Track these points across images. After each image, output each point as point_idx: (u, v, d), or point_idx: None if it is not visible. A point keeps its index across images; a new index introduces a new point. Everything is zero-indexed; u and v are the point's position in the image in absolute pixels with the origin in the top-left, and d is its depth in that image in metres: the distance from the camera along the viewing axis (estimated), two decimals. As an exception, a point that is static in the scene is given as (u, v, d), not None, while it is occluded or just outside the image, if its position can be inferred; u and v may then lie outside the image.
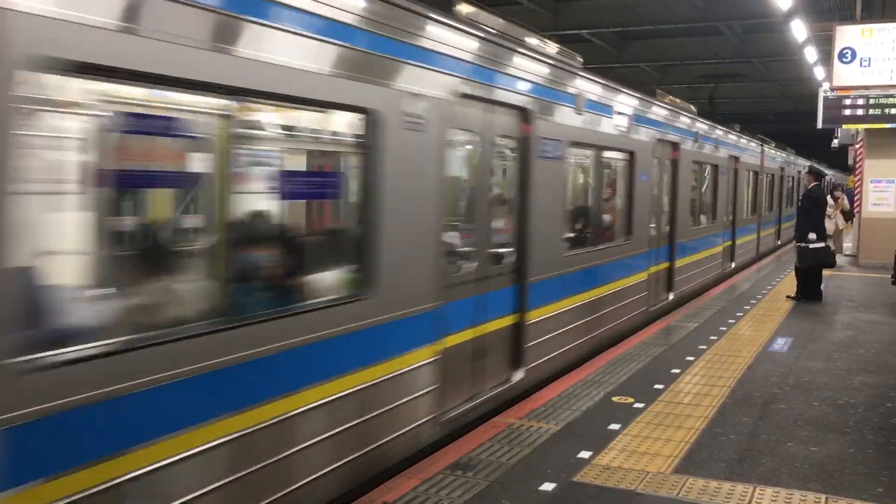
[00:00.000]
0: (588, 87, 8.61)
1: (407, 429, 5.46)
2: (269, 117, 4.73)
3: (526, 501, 4.84)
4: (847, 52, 15.85)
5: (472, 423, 6.31)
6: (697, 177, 14.13)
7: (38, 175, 3.30)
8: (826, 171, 20.39)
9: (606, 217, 10.19)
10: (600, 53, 24.30)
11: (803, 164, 27.12)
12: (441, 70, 5.67)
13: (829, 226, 18.18)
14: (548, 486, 5.05)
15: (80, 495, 3.25)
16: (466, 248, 6.42)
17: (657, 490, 5.02)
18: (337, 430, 4.79)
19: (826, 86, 19.72)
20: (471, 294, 6.33)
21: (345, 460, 4.86)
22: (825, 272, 13.86)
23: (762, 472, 5.37)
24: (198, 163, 4.36)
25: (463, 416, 6.24)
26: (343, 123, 5.16)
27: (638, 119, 10.31)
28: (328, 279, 5.10)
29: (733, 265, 17.26)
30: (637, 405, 6.86)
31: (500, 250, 6.91)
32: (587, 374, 7.86)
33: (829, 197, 19.16)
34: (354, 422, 4.93)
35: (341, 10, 4.65)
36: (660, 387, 7.45)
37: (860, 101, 17.47)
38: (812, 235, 12.77)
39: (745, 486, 5.11)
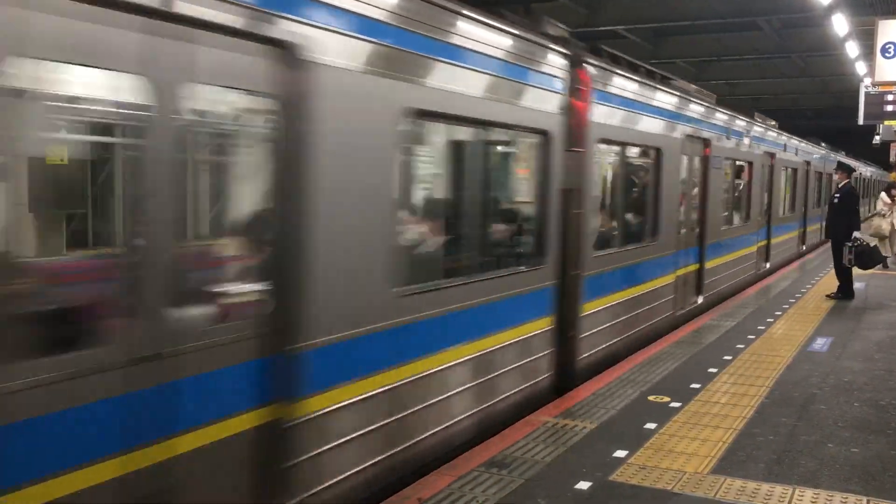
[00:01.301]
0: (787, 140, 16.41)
1: (666, 315, 10.07)
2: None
3: (561, 500, 4.83)
4: (890, 47, 15.48)
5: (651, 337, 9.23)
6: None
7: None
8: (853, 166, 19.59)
9: (739, 210, 14.67)
10: (636, 50, 24.08)
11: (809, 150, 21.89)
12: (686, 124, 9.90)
13: (885, 225, 17.88)
14: (583, 485, 5.03)
15: (461, 360, 5.79)
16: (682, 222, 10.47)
17: (694, 490, 4.98)
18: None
19: (868, 81, 19.35)
20: (682, 248, 10.67)
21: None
22: (867, 272, 13.66)
23: (802, 473, 5.30)
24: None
25: (683, 315, 10.76)
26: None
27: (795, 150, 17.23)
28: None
29: (804, 247, 21.85)
30: (673, 404, 6.80)
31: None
32: (622, 373, 7.81)
33: (883, 194, 18.81)
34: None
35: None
36: (696, 386, 7.38)
37: (903, 97, 17.11)
38: (857, 234, 12.54)
39: (785, 488, 5.04)
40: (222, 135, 5.04)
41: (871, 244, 12.73)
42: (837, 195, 13.22)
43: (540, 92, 6.78)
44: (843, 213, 12.90)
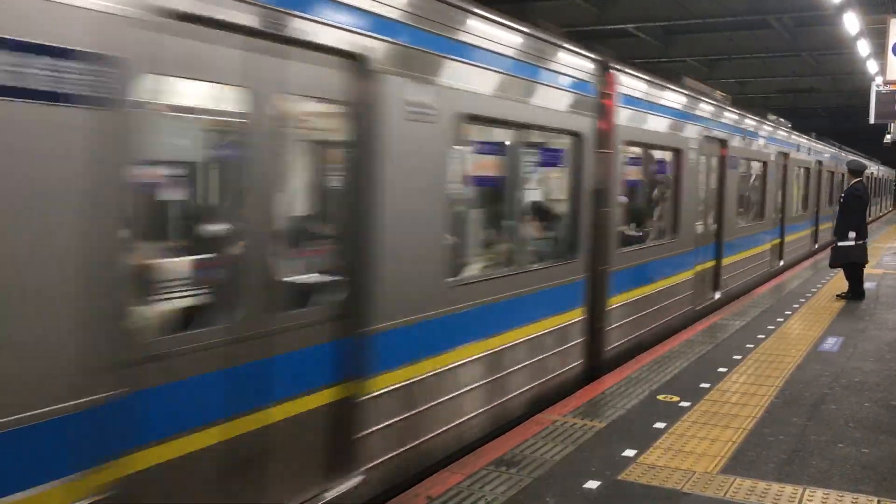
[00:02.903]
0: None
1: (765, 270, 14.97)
2: None
3: (570, 499, 4.82)
4: (902, 46, 15.40)
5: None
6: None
7: None
8: (867, 164, 19.14)
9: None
10: (646, 48, 24.02)
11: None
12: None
13: None
14: (592, 484, 5.02)
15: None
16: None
17: (704, 490, 4.96)
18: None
19: (879, 80, 19.25)
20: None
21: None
22: (876, 271, 13.57)
23: (812, 473, 5.28)
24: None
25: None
26: None
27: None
28: None
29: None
30: (683, 404, 6.78)
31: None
32: (632, 372, 7.80)
33: None
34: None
35: None
36: (706, 385, 7.36)
37: (914, 96, 17.01)
38: (852, 234, 12.49)
39: (795, 488, 5.02)
40: None
41: (843, 244, 12.60)
42: (843, 195, 13.28)
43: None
44: (846, 213, 12.86)
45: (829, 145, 23.98)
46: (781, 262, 17.20)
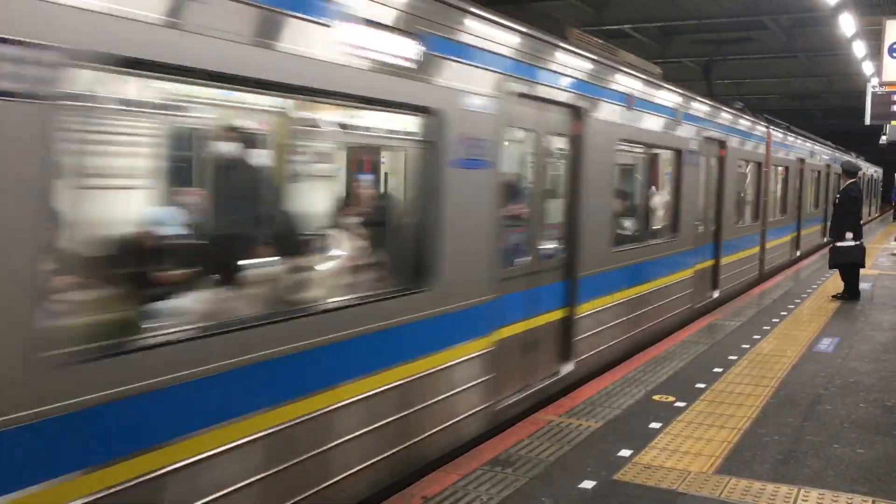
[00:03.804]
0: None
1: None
2: None
3: (566, 499, 4.82)
4: (898, 47, 15.42)
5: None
6: None
7: None
8: (860, 165, 17.68)
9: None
10: (644, 49, 24.03)
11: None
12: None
13: None
14: (588, 484, 5.02)
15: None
16: None
17: (699, 490, 4.96)
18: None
19: (875, 81, 19.29)
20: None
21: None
22: (872, 272, 13.60)
23: (807, 473, 5.28)
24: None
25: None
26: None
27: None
28: None
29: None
30: (678, 404, 6.79)
31: None
32: (627, 372, 7.80)
33: None
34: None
35: None
36: (702, 386, 7.36)
37: (910, 97, 17.03)
38: (849, 235, 12.52)
39: (790, 488, 5.03)
40: None
41: (843, 244, 12.63)
42: (837, 196, 13.30)
43: None
44: (842, 213, 12.89)
45: (761, 123, 15.78)
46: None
